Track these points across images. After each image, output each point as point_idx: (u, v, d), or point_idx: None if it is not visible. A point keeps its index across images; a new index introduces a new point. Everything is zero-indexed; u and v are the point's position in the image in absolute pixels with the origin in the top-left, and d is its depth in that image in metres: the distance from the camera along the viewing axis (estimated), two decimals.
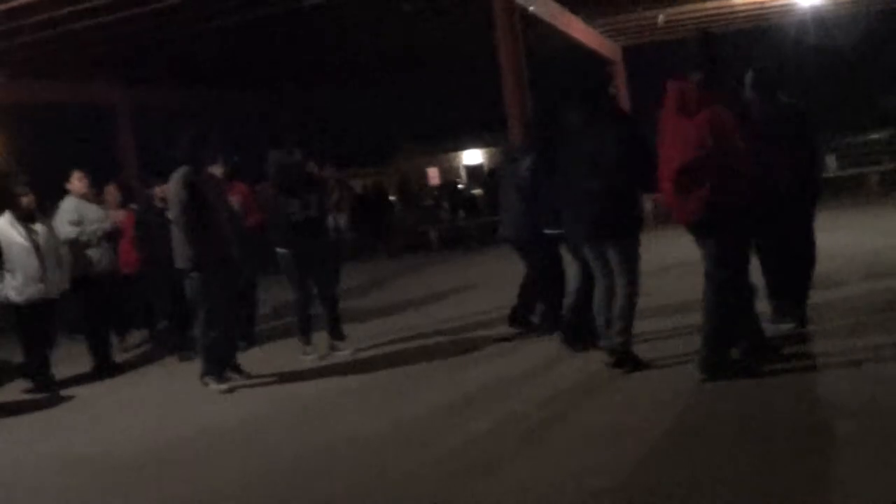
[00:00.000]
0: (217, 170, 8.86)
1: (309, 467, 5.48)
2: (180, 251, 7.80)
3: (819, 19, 16.82)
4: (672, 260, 10.58)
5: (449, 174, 41.29)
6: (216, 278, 7.80)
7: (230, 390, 7.82)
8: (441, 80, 27.42)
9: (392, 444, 5.74)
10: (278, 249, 8.69)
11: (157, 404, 7.93)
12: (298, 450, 5.85)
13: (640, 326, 7.00)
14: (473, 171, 42.82)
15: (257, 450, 6.00)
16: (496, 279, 12.02)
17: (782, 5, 17.06)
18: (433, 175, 41.43)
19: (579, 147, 6.70)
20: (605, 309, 6.81)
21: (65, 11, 11.20)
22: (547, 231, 7.75)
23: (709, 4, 16.48)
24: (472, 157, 45.23)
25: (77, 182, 9.57)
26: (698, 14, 17.17)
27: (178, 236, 7.81)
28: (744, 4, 16.85)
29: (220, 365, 8.02)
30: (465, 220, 22.62)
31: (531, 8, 12.44)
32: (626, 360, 6.62)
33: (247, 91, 21.23)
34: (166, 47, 14.17)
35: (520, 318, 8.67)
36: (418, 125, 41.56)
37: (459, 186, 29.43)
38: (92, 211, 9.59)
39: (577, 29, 16.19)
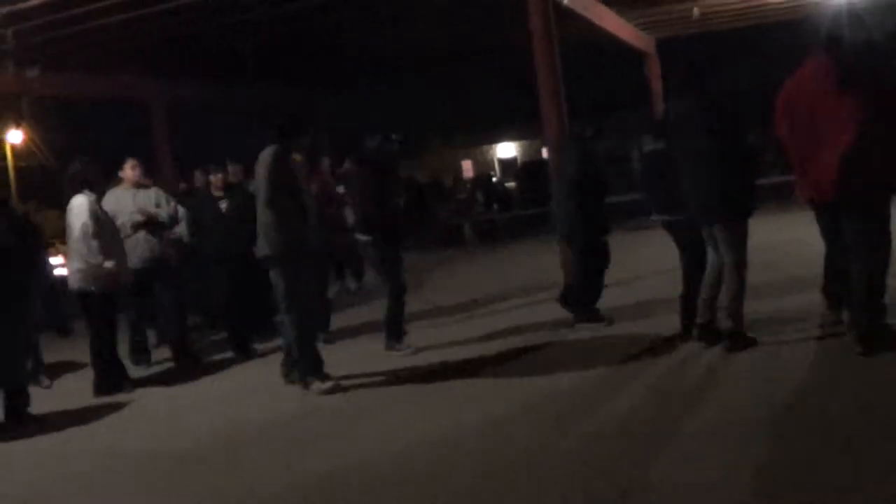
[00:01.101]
0: (296, 157, 8.83)
1: (335, 475, 5.41)
2: (267, 237, 7.30)
3: (854, 12, 16.70)
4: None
5: (483, 167, 41.35)
6: (306, 267, 7.38)
7: (333, 390, 7.34)
8: (475, 74, 27.45)
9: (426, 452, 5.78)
10: (364, 237, 8.41)
11: (193, 402, 7.87)
12: (330, 458, 5.72)
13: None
14: (507, 164, 42.85)
15: (278, 458, 5.88)
16: (532, 273, 12.13)
17: None
18: (467, 168, 41.50)
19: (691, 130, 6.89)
20: (711, 288, 7.09)
21: (99, 5, 11.33)
22: (663, 218, 7.83)
23: None
24: (506, 150, 45.24)
25: (130, 170, 9.36)
26: (733, 7, 17.12)
27: (264, 221, 7.32)
28: None
29: (319, 361, 7.53)
30: (498, 214, 22.67)
31: (565, 1, 12.49)
32: (739, 341, 6.84)
33: (279, 86, 21.37)
34: (201, 41, 14.32)
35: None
36: (452, 119, 41.57)
37: (493, 179, 29.50)
38: (129, 202, 9.25)
39: (611, 21, 16.21)
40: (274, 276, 7.37)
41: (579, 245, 8.69)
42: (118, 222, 8.93)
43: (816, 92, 6.16)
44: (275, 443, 6.26)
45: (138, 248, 9.14)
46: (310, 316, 7.47)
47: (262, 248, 7.37)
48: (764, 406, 5.51)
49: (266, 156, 7.29)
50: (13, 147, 24.03)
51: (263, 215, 7.30)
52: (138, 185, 9.44)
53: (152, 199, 9.50)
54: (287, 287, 7.29)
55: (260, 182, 7.30)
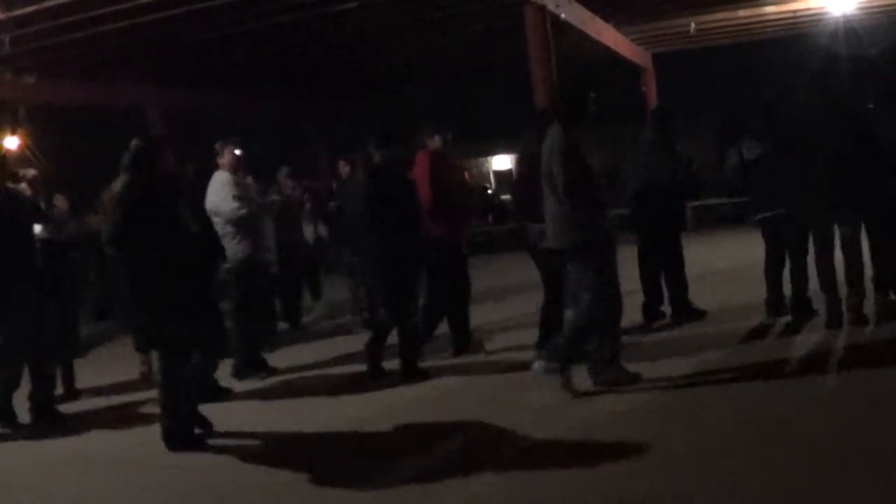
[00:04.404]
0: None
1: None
2: (565, 227, 6.49)
3: (851, 28, 16.76)
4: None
5: (478, 179, 41.32)
6: (609, 252, 6.57)
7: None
8: (471, 87, 27.45)
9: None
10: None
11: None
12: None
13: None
14: (502, 176, 42.83)
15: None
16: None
17: (814, 14, 17.03)
18: None
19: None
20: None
21: (96, 13, 11.30)
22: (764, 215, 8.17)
23: (740, 13, 16.48)
24: (501, 162, 45.23)
25: (228, 155, 8.31)
26: (730, 22, 17.18)
27: (557, 209, 6.50)
28: (775, 13, 16.85)
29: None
30: (493, 226, 22.66)
31: (562, 15, 12.51)
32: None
33: (278, 96, 21.40)
34: (199, 50, 14.30)
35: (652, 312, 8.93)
36: (448, 130, 41.54)
37: (489, 191, 29.50)
38: (249, 186, 8.40)
39: (608, 36, 16.25)
40: (574, 268, 6.61)
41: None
42: (228, 207, 8.09)
43: None
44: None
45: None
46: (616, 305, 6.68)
47: (557, 240, 6.61)
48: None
49: (558, 140, 6.45)
50: (9, 153, 23.95)
51: (559, 204, 6.48)
52: (238, 172, 8.46)
53: (252, 188, 8.72)
54: (592, 278, 6.46)
55: (555, 169, 6.43)
